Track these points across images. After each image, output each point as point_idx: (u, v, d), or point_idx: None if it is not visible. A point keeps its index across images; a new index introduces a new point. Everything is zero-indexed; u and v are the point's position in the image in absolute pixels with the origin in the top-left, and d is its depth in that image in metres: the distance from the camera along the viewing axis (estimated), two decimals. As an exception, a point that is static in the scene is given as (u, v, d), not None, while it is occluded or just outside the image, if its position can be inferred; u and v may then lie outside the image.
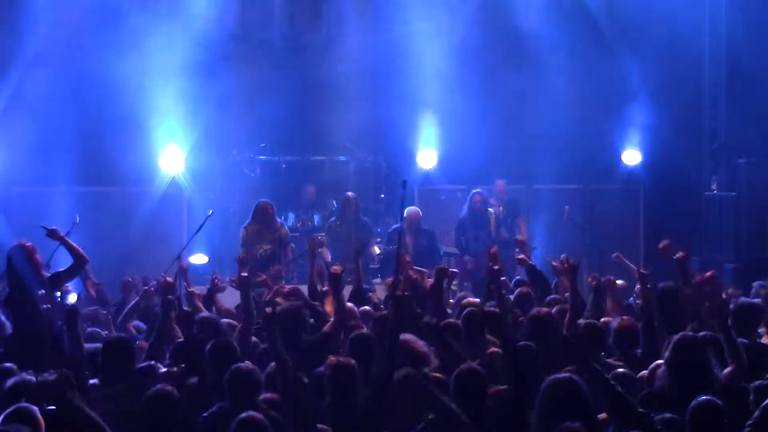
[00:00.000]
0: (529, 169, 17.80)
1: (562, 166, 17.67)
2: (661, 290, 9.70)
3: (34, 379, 7.53)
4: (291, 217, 17.34)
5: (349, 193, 16.15)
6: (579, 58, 17.65)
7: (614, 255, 12.73)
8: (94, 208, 16.00)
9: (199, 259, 15.61)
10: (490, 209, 15.74)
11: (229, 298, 11.71)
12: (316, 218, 17.46)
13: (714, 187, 17.64)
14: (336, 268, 12.29)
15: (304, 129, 18.15)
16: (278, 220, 15.00)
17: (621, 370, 8.31)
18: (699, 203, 17.81)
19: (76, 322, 8.84)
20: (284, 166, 18.08)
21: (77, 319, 8.92)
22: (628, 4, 17.76)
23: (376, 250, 15.39)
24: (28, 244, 10.73)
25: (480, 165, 17.45)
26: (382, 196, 17.89)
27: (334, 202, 17.54)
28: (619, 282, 11.60)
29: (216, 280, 11.40)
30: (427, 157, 17.87)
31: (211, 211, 14.69)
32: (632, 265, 12.37)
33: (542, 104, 17.74)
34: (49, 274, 10.99)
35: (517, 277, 12.43)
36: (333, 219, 16.04)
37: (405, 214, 14.84)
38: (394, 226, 15.33)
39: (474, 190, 15.87)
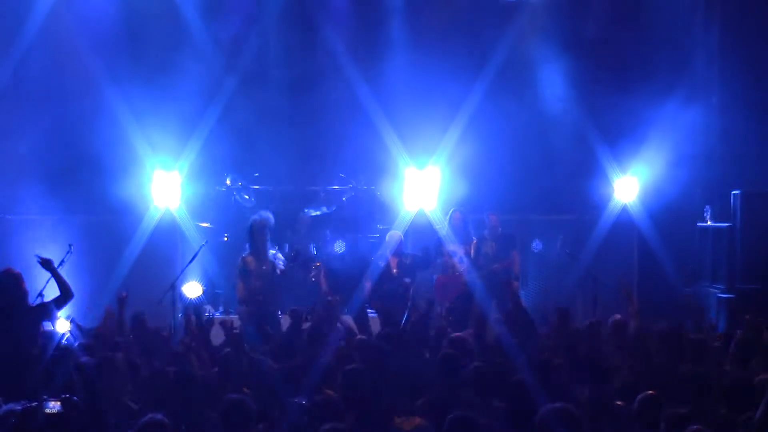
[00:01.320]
0: (524, 199, 17.63)
1: (557, 197, 17.56)
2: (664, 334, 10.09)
3: (19, 408, 7.55)
4: (286, 246, 16.89)
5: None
6: (576, 88, 17.61)
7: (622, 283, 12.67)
8: (88, 237, 15.84)
9: (193, 288, 15.35)
10: (474, 239, 15.55)
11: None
12: (311, 247, 17.15)
13: (708, 217, 17.48)
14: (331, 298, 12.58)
15: (299, 158, 17.90)
16: (270, 249, 14.48)
17: (618, 403, 8.41)
18: (693, 234, 17.69)
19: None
20: (278, 195, 17.76)
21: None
22: (622, 35, 17.76)
23: (368, 286, 14.84)
24: (16, 271, 10.56)
25: (475, 194, 17.23)
26: (379, 226, 17.57)
27: (328, 232, 17.18)
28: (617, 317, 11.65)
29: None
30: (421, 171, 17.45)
31: (205, 241, 14.67)
32: (634, 301, 12.33)
33: (538, 134, 17.64)
34: (37, 304, 10.87)
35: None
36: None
37: (387, 238, 14.72)
38: (379, 262, 14.92)
39: (454, 209, 15.65)
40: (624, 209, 17.62)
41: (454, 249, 14.84)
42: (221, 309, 15.20)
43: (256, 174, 17.73)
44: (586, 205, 17.74)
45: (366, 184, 17.77)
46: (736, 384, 8.18)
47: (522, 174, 17.59)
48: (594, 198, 17.63)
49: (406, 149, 17.26)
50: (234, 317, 11.98)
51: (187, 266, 14.51)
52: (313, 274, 15.87)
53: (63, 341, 9.82)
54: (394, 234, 14.94)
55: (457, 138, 17.17)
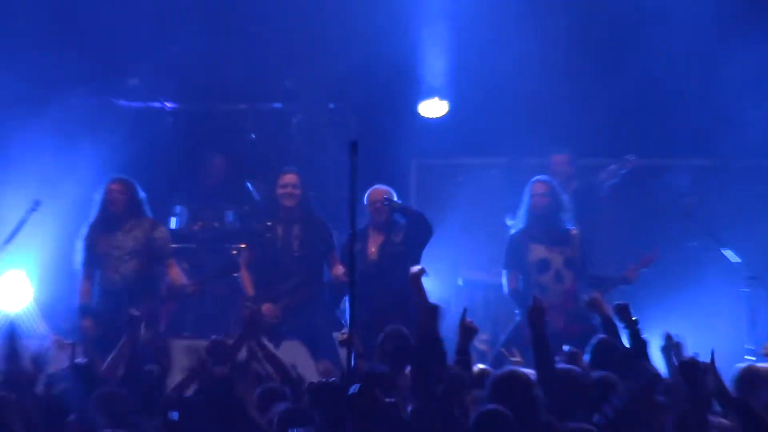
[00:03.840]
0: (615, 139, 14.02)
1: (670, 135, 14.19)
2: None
3: None
4: (183, 213, 13.66)
5: (288, 173, 12.24)
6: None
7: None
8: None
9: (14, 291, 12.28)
10: (573, 231, 11.92)
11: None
12: (229, 215, 13.77)
13: None
14: (268, 308, 11.43)
15: (216, 61, 14.18)
16: (148, 213, 11.69)
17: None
18: None
19: None
20: (172, 119, 14.61)
21: None
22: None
23: (340, 269, 11.88)
24: None
25: (524, 128, 13.76)
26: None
27: (249, 184, 14.28)
28: None
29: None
30: (432, 107, 14.11)
31: (35, 203, 12.23)
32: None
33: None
34: None
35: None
36: (259, 222, 12.76)
37: (365, 199, 11.85)
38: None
39: (535, 178, 12.04)
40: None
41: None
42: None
43: (134, 80, 14.78)
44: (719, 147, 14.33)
45: (331, 103, 15.19)
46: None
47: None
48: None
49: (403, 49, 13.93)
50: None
51: (8, 241, 11.81)
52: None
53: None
54: (375, 192, 12.14)
55: (494, 45, 13.86)
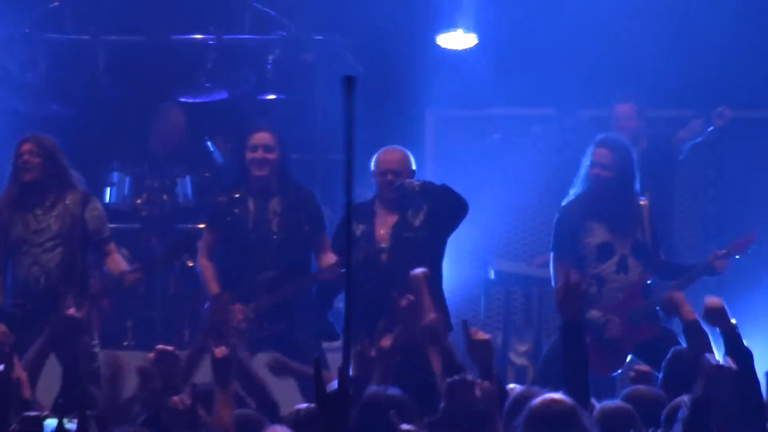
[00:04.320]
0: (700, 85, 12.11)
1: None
2: None
3: None
4: (123, 182, 11.98)
5: (259, 132, 10.59)
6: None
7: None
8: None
9: None
10: (642, 201, 10.40)
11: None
12: (184, 185, 12.05)
13: None
14: (237, 310, 9.86)
15: None
16: (77, 180, 10.01)
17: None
18: None
19: None
20: (106, 56, 12.58)
21: None
22: None
23: (332, 258, 10.38)
24: None
25: (578, 68, 12.08)
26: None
27: (210, 143, 12.65)
28: None
29: None
30: (455, 39, 12.26)
31: None
32: None
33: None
34: None
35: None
36: (224, 193, 10.84)
37: (373, 164, 10.22)
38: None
39: (599, 138, 10.11)
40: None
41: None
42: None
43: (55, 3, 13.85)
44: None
45: (322, 34, 13.67)
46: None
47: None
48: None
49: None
50: None
51: None
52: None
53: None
54: (386, 155, 10.74)
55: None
